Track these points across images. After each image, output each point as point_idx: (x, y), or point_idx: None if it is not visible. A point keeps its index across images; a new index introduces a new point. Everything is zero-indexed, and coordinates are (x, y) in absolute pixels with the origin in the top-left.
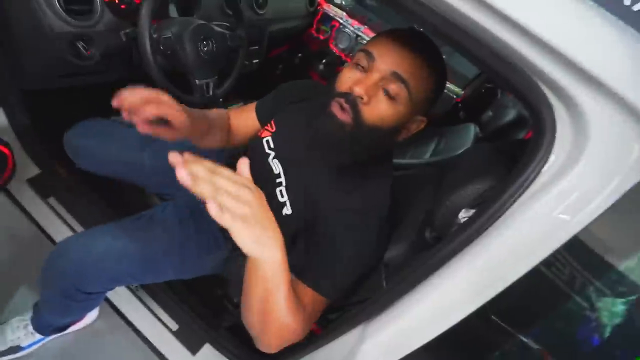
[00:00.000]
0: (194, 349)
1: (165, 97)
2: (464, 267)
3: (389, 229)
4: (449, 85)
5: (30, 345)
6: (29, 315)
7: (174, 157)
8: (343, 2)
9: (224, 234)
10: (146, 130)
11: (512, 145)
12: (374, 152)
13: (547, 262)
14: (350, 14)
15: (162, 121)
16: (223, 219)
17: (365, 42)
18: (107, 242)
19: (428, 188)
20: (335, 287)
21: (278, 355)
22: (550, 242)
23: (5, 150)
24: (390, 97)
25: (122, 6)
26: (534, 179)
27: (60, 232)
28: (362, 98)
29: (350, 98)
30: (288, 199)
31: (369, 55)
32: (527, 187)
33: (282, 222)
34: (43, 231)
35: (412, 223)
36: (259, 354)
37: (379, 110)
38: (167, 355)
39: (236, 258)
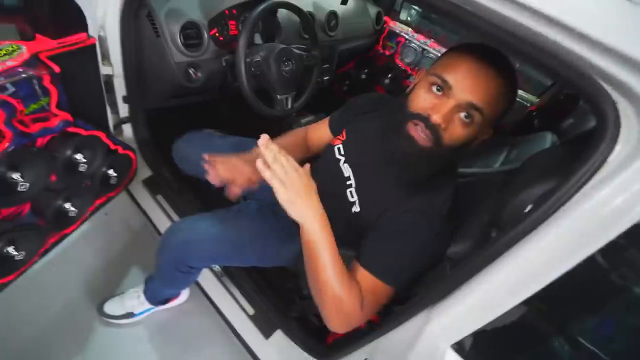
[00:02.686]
0: (267, 333)
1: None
2: (524, 253)
3: (451, 227)
4: (522, 93)
5: (140, 314)
6: (141, 287)
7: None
8: (409, 19)
9: (298, 228)
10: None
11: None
12: (446, 164)
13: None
14: (416, 29)
15: None
16: (271, 179)
17: (431, 55)
18: (206, 226)
19: (496, 192)
20: (397, 276)
21: (346, 342)
22: (612, 230)
23: (132, 156)
24: (466, 121)
25: (221, 38)
26: (598, 168)
27: (164, 223)
28: (440, 125)
29: (429, 124)
30: (357, 198)
31: (445, 83)
32: (591, 176)
33: (352, 218)
34: (151, 222)
35: (478, 223)
36: (325, 344)
37: (456, 134)
38: (244, 336)
39: None
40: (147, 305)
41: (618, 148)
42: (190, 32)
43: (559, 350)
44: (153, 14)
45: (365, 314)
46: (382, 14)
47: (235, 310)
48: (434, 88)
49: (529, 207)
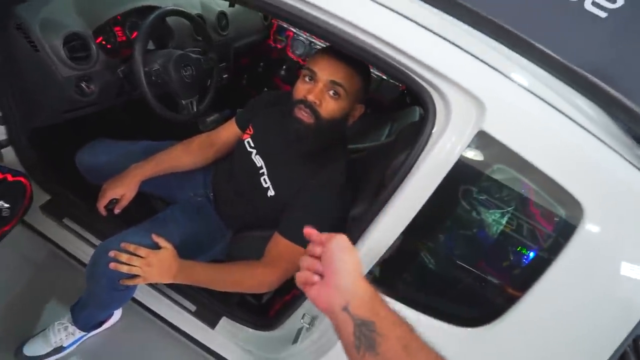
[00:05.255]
0: (213, 323)
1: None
2: (398, 200)
3: (351, 193)
4: None
5: (71, 345)
6: (67, 318)
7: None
8: None
9: (225, 222)
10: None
11: None
12: (333, 137)
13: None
14: None
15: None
16: (130, 271)
17: (318, 46)
18: (136, 240)
19: (381, 160)
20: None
21: (286, 309)
22: (441, 173)
23: (25, 181)
24: (334, 97)
25: (108, 46)
26: (429, 136)
27: (79, 246)
28: (315, 102)
29: (307, 104)
30: (271, 184)
31: (312, 72)
32: (427, 140)
33: (269, 201)
34: (61, 248)
35: (372, 187)
36: (266, 316)
37: (329, 107)
38: (191, 333)
39: (238, 240)
40: (79, 334)
41: (436, 125)
42: (76, 45)
43: (426, 262)
44: (25, 26)
45: (283, 271)
46: None
47: (177, 311)
48: (306, 78)
49: None
